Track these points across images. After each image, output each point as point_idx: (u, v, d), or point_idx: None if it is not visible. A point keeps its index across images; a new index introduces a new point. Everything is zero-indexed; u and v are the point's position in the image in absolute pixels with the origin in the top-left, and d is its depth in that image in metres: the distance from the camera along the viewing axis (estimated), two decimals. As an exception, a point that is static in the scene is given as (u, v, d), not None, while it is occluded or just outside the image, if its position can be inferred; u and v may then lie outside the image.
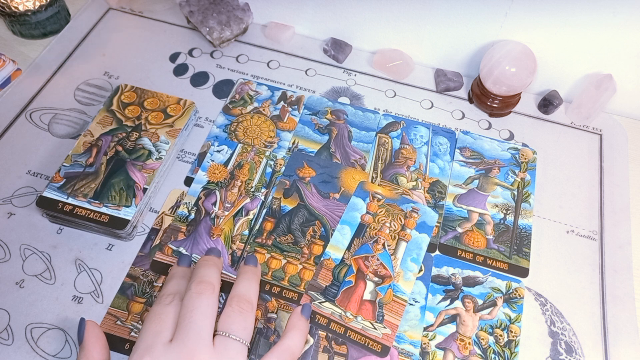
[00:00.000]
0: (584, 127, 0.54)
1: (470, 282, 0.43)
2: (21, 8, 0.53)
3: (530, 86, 0.55)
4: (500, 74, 0.49)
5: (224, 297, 0.40)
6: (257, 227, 0.44)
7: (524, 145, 0.52)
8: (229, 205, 0.45)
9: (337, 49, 0.57)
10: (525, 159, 0.50)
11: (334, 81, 0.56)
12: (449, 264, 0.44)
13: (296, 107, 0.53)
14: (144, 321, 0.33)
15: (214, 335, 0.33)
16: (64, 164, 0.44)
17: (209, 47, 0.58)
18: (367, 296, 0.41)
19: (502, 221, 0.46)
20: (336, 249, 0.43)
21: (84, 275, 0.41)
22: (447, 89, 0.55)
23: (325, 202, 0.46)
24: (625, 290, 0.43)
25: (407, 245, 0.44)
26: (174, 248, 0.43)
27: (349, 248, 0.43)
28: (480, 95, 0.53)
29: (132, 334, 0.39)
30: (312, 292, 0.41)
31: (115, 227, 0.41)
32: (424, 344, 0.40)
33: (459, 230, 0.45)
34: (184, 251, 0.42)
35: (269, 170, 0.48)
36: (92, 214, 0.41)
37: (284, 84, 0.55)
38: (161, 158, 0.45)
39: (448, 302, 0.42)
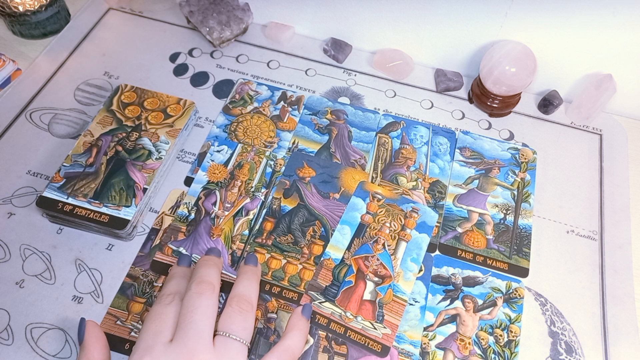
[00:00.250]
0: (584, 127, 0.54)
1: (470, 282, 0.43)
2: (21, 8, 0.53)
3: (530, 86, 0.55)
4: (500, 74, 0.49)
5: (224, 297, 0.40)
6: (257, 227, 0.44)
7: (524, 145, 0.52)
8: (229, 205, 0.45)
9: (337, 49, 0.57)
10: (525, 159, 0.50)
11: (334, 81, 0.56)
12: (449, 264, 0.44)
13: (296, 107, 0.53)
14: (144, 321, 0.33)
15: (214, 335, 0.33)
16: (64, 164, 0.44)
17: (209, 47, 0.58)
18: (367, 296, 0.41)
19: (502, 221, 0.46)
20: (336, 249, 0.43)
21: (84, 275, 0.41)
22: (447, 89, 0.55)
23: (325, 202, 0.46)
24: (625, 290, 0.43)
25: (407, 245, 0.44)
26: (174, 248, 0.43)
27: (349, 248, 0.43)
28: (480, 95, 0.53)
29: (132, 334, 0.39)
30: (312, 292, 0.41)
31: (115, 227, 0.41)
32: (424, 344, 0.40)
33: (459, 230, 0.45)
34: (184, 251, 0.42)
35: (269, 170, 0.48)
36: (92, 214, 0.41)
37: (284, 84, 0.55)
38: (161, 158, 0.45)
39: (448, 302, 0.42)
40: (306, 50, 0.58)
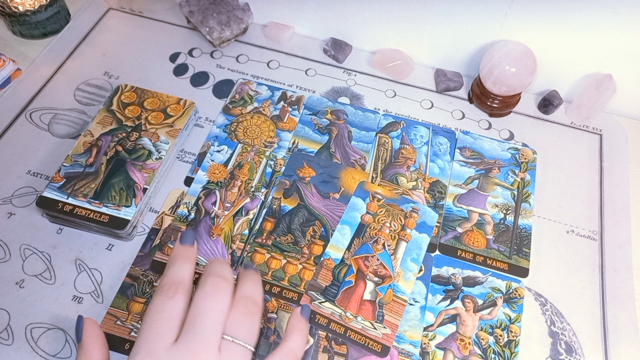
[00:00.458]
0: (584, 127, 0.54)
1: (470, 282, 0.43)
2: (21, 8, 0.53)
3: (530, 86, 0.55)
4: (500, 74, 0.49)
5: None
6: (257, 227, 0.44)
7: (524, 145, 0.52)
8: (229, 205, 0.45)
9: (337, 49, 0.57)
10: (525, 159, 0.50)
11: (334, 81, 0.56)
12: (449, 264, 0.43)
13: (296, 107, 0.53)
14: (144, 317, 0.31)
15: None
16: (64, 164, 0.44)
17: (209, 47, 0.58)
18: (367, 296, 0.41)
19: (502, 221, 0.46)
20: (336, 249, 0.43)
21: (84, 275, 0.41)
22: (447, 89, 0.55)
23: (325, 202, 0.46)
24: (625, 290, 0.43)
25: (407, 245, 0.44)
26: (174, 248, 0.42)
27: (349, 248, 0.43)
28: (480, 95, 0.53)
29: (132, 334, 0.39)
30: (312, 292, 0.41)
31: (115, 227, 0.41)
32: (424, 344, 0.40)
33: (459, 230, 0.45)
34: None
35: (269, 170, 0.48)
36: (92, 214, 0.41)
37: (284, 84, 0.55)
38: (161, 158, 0.45)
39: (448, 302, 0.42)
40: (306, 50, 0.58)
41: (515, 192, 0.48)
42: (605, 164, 0.51)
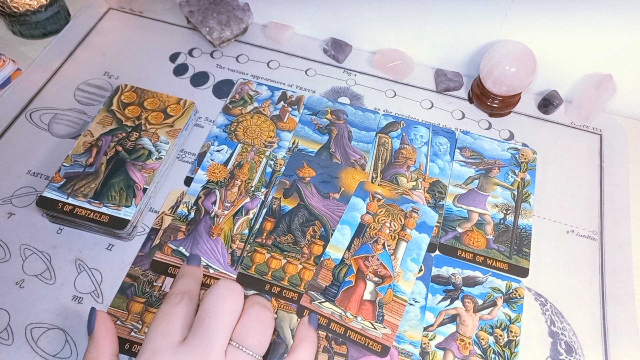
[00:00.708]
0: (584, 127, 0.54)
1: (470, 282, 0.43)
2: (21, 8, 0.53)
3: (530, 86, 0.55)
4: (500, 74, 0.49)
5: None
6: (257, 226, 0.44)
7: (524, 145, 0.52)
8: (229, 205, 0.45)
9: (337, 49, 0.57)
10: (525, 159, 0.50)
11: (334, 81, 0.56)
12: (449, 264, 0.43)
13: (296, 107, 0.53)
14: (152, 321, 0.31)
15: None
16: (64, 164, 0.44)
17: (209, 47, 0.58)
18: (367, 296, 0.41)
19: (502, 221, 0.46)
20: (336, 249, 0.43)
21: (84, 275, 0.41)
22: (447, 89, 0.55)
23: (325, 202, 0.46)
24: (625, 290, 0.43)
25: (407, 245, 0.44)
26: (174, 247, 0.43)
27: (349, 248, 0.43)
28: (480, 95, 0.53)
29: (132, 333, 0.39)
30: (312, 292, 0.41)
31: (115, 227, 0.41)
32: (424, 344, 0.40)
33: (459, 230, 0.45)
34: (183, 250, 0.42)
35: (269, 170, 0.48)
36: (92, 214, 0.41)
37: (284, 84, 0.55)
38: (161, 158, 0.45)
39: (448, 302, 0.42)
40: (306, 50, 0.58)
41: (515, 192, 0.48)
42: (605, 164, 0.51)
